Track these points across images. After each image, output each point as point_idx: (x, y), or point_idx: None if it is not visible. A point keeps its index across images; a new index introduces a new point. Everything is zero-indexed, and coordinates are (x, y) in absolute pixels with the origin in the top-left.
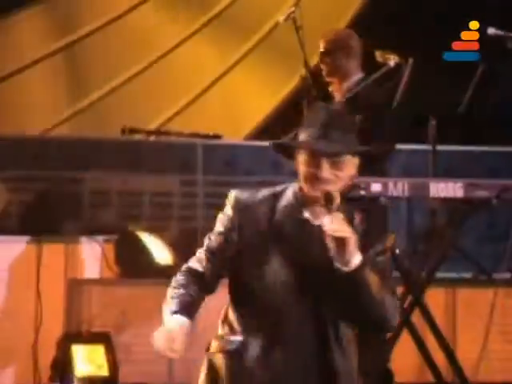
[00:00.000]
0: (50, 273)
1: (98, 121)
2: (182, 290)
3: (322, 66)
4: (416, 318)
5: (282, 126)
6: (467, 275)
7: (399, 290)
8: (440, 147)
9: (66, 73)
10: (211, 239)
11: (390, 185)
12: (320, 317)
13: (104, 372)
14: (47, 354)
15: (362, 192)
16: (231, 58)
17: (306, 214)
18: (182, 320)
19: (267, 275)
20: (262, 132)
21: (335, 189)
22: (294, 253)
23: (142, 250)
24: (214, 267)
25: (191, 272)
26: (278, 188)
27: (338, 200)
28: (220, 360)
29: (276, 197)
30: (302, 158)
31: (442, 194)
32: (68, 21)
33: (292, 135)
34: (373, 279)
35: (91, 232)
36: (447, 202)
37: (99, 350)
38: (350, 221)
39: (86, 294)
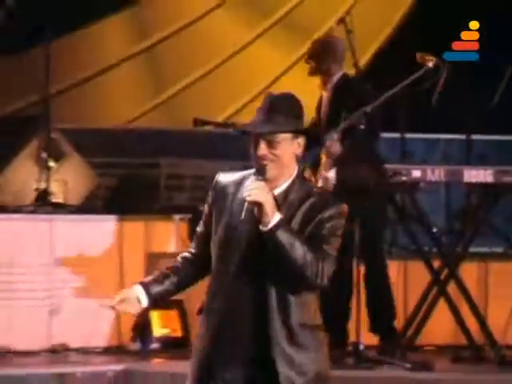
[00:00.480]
0: (131, 247)
1: (173, 113)
2: (163, 270)
3: (307, 66)
4: (452, 288)
5: None
6: (498, 250)
7: (436, 263)
8: (474, 136)
9: (145, 72)
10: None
11: (429, 171)
12: (260, 279)
13: (178, 333)
14: (129, 319)
15: (404, 178)
16: (290, 59)
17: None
18: (135, 287)
19: (217, 243)
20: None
21: (274, 165)
22: (239, 223)
23: None
24: (200, 247)
25: (184, 255)
26: (251, 170)
27: (270, 173)
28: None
29: (245, 177)
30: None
31: (474, 180)
32: (148, 26)
33: None
34: (291, 238)
35: (167, 211)
36: (479, 186)
37: (173, 315)
38: (306, 196)
39: (162, 266)
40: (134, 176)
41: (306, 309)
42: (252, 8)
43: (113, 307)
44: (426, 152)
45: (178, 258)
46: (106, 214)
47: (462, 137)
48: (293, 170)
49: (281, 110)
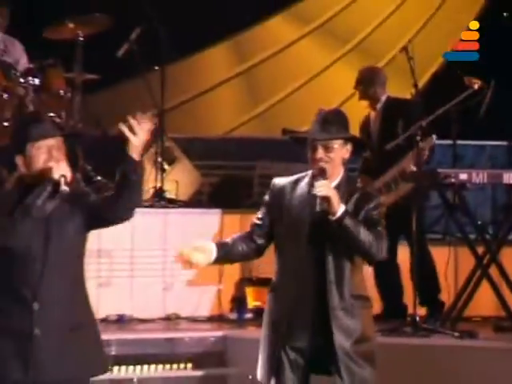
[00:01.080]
0: (229, 235)
1: (266, 124)
2: (230, 240)
3: (357, 91)
4: (493, 270)
5: None
6: None
7: (480, 249)
8: None
9: (243, 90)
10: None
11: (474, 174)
12: (320, 259)
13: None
14: (228, 293)
15: (453, 180)
16: None
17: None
18: (210, 244)
19: (283, 233)
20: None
21: (328, 166)
22: (301, 214)
23: None
24: (258, 229)
25: (244, 235)
26: (304, 173)
27: (329, 173)
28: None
29: (299, 179)
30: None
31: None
32: (246, 52)
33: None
34: (356, 224)
35: (259, 206)
36: None
37: (264, 291)
38: (353, 191)
39: None
40: (232, 176)
41: (357, 282)
42: (332, 36)
43: (185, 259)
44: (474, 156)
45: (239, 237)
46: (210, 208)
47: (505, 143)
48: (341, 171)
49: (332, 122)
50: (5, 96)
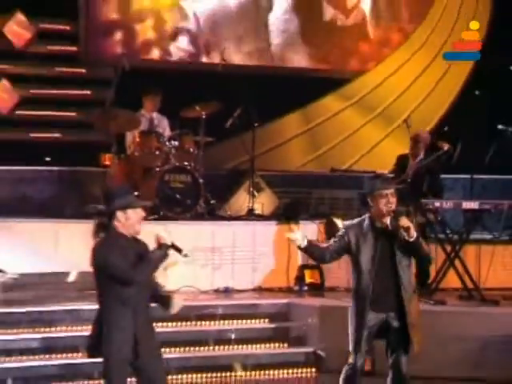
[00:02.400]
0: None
1: (322, 163)
2: (318, 244)
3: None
4: (457, 261)
5: None
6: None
7: (448, 247)
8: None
9: (309, 140)
10: (337, 236)
11: (443, 203)
12: (395, 267)
13: (318, 282)
14: (293, 274)
15: (430, 206)
16: (384, 134)
17: (379, 224)
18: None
19: (365, 254)
20: None
21: (394, 208)
22: (377, 241)
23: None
24: (332, 248)
25: (326, 245)
26: (361, 218)
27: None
28: None
29: (361, 221)
30: (379, 198)
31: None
32: (310, 117)
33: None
34: (422, 242)
35: (313, 218)
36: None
37: (316, 271)
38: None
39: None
40: (298, 198)
41: (412, 277)
42: (365, 106)
43: (291, 237)
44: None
45: (324, 245)
46: (284, 220)
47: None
48: None
49: (386, 178)
50: (157, 152)
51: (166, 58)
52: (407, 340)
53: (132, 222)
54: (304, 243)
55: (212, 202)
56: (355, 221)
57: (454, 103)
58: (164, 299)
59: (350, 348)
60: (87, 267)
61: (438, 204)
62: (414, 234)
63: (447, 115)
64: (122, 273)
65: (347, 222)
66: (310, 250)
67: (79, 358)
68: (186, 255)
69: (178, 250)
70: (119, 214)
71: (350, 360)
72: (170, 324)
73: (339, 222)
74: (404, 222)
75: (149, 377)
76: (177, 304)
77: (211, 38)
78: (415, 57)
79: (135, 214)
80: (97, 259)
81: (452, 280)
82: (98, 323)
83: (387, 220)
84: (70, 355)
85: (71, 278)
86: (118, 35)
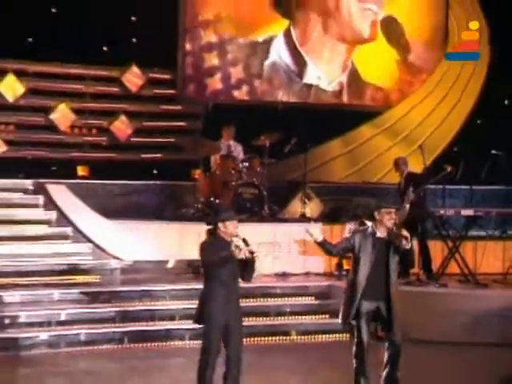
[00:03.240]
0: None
1: (358, 177)
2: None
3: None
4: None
5: None
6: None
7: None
8: None
9: (350, 157)
10: (344, 238)
11: (447, 210)
12: (387, 269)
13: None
14: (334, 261)
15: (436, 213)
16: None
17: (379, 234)
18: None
19: (367, 256)
20: None
21: (393, 224)
22: (375, 247)
23: None
24: (341, 245)
25: (334, 243)
26: (366, 226)
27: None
28: None
29: (365, 229)
30: (385, 214)
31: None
32: (349, 141)
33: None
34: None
35: (351, 219)
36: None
37: (348, 262)
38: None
39: None
40: (339, 204)
41: (396, 275)
42: (392, 132)
43: (310, 233)
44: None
45: (334, 243)
46: (328, 221)
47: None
48: None
49: (391, 200)
50: (232, 172)
51: (240, 98)
52: (390, 327)
53: (229, 229)
54: (320, 238)
55: (274, 208)
56: (361, 228)
57: (461, 130)
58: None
59: (355, 327)
60: (181, 256)
61: (442, 211)
62: (410, 242)
63: (454, 140)
64: (210, 263)
65: (354, 228)
66: (322, 244)
67: (175, 325)
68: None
69: (247, 244)
70: (220, 224)
71: (356, 339)
72: (243, 300)
73: (369, 223)
74: (405, 233)
75: (233, 340)
76: (234, 244)
77: (268, 86)
78: (432, 94)
79: (232, 224)
80: (200, 253)
81: (453, 268)
82: (201, 298)
83: (385, 232)
84: (169, 322)
85: (170, 265)
86: (204, 82)
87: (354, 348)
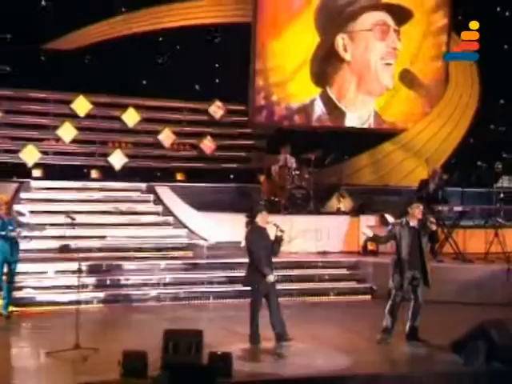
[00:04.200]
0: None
1: (380, 181)
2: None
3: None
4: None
5: None
6: None
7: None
8: None
9: (372, 168)
10: (387, 230)
11: (445, 207)
12: (420, 247)
13: (374, 249)
14: (360, 244)
15: (436, 209)
16: (413, 165)
17: (411, 223)
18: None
19: (406, 242)
20: None
21: (421, 215)
22: (410, 233)
23: (386, 221)
24: (385, 237)
25: (380, 235)
26: (401, 219)
27: None
28: None
29: (401, 221)
30: (415, 209)
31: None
32: (373, 155)
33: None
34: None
35: (374, 213)
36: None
37: (374, 244)
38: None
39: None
40: (366, 201)
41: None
42: (407, 148)
43: (365, 233)
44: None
45: (380, 235)
46: (357, 215)
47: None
48: None
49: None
50: (287, 177)
51: (292, 124)
52: (426, 283)
53: (261, 220)
54: (371, 235)
55: (317, 204)
56: (398, 221)
57: (457, 147)
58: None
59: (394, 289)
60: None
61: (440, 208)
62: (436, 225)
63: (452, 154)
64: (255, 248)
65: (393, 221)
66: (373, 239)
67: (239, 288)
68: (281, 231)
69: (281, 231)
70: (258, 215)
71: (395, 296)
72: (297, 270)
73: (389, 217)
74: (432, 220)
75: (274, 298)
76: (270, 228)
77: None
78: (436, 120)
79: (263, 216)
80: (246, 238)
81: (448, 248)
82: (248, 269)
83: (416, 222)
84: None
85: (241, 244)
86: (265, 112)
87: (390, 306)
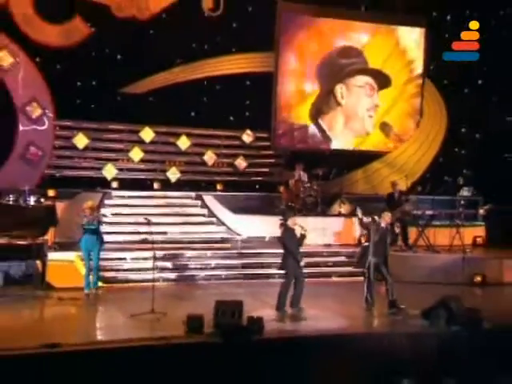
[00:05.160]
0: None
1: (372, 190)
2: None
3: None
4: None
5: None
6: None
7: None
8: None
9: (365, 181)
10: (365, 224)
11: (417, 212)
12: (385, 242)
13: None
14: (355, 237)
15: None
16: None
17: (382, 224)
18: None
19: (374, 235)
20: None
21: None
22: (380, 231)
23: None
24: (365, 225)
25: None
26: (374, 218)
27: None
28: None
29: (375, 220)
30: (386, 215)
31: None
32: (369, 173)
33: None
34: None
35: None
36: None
37: (366, 236)
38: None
39: None
40: (360, 205)
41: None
42: (391, 165)
43: (359, 211)
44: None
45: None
46: (354, 215)
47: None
48: None
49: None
50: (301, 189)
51: (304, 146)
52: (386, 265)
53: (291, 222)
54: (360, 215)
55: (324, 208)
56: (374, 220)
57: (429, 166)
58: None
59: (366, 270)
60: (271, 234)
61: (415, 211)
62: (398, 229)
63: (426, 171)
64: (289, 243)
65: (369, 220)
66: (361, 219)
67: (269, 271)
68: (304, 230)
69: (305, 230)
70: (290, 219)
71: (367, 275)
72: (308, 257)
73: (358, 210)
74: (398, 225)
75: (301, 279)
76: (297, 230)
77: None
78: (412, 145)
79: (292, 219)
80: (281, 236)
81: (421, 242)
82: (283, 258)
83: (385, 223)
84: (268, 269)
85: (267, 239)
86: (283, 138)
87: (366, 283)
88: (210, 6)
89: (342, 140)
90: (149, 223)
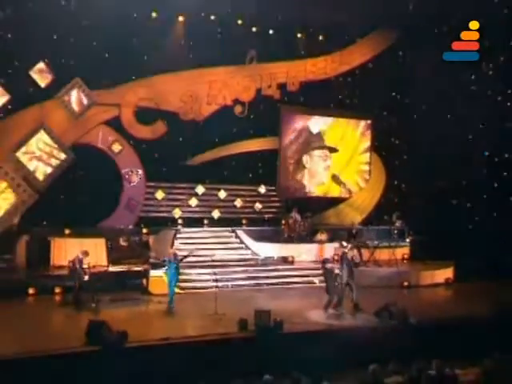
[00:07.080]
0: None
1: (341, 221)
2: None
3: None
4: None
5: None
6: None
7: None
8: None
9: (335, 215)
10: (340, 255)
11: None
12: (351, 267)
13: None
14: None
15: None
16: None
17: (348, 255)
18: None
19: (344, 263)
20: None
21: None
22: (346, 260)
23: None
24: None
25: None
26: (345, 251)
27: None
28: None
29: (344, 252)
30: (352, 249)
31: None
32: (337, 210)
33: None
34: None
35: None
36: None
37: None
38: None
39: None
40: (335, 234)
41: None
42: (351, 205)
43: (343, 244)
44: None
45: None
46: (330, 242)
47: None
48: None
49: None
50: (296, 225)
51: (297, 195)
52: (353, 279)
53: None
54: (345, 250)
55: (310, 236)
56: (343, 251)
57: (376, 205)
58: None
59: (338, 283)
60: (280, 255)
61: (368, 242)
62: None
63: (373, 209)
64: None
65: (342, 251)
66: (343, 252)
67: (286, 278)
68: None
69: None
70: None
71: (339, 285)
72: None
73: (344, 243)
74: (358, 257)
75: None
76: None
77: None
78: (363, 192)
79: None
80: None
81: (370, 259)
82: (324, 269)
83: (351, 255)
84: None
85: (275, 258)
86: (284, 190)
87: (337, 293)
88: (240, 111)
89: (310, 188)
90: (192, 254)
